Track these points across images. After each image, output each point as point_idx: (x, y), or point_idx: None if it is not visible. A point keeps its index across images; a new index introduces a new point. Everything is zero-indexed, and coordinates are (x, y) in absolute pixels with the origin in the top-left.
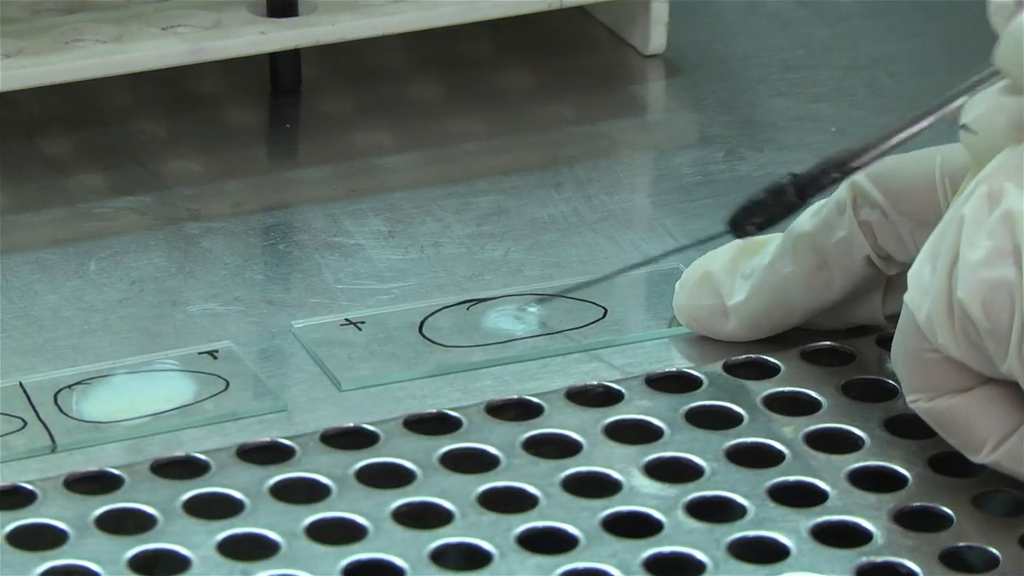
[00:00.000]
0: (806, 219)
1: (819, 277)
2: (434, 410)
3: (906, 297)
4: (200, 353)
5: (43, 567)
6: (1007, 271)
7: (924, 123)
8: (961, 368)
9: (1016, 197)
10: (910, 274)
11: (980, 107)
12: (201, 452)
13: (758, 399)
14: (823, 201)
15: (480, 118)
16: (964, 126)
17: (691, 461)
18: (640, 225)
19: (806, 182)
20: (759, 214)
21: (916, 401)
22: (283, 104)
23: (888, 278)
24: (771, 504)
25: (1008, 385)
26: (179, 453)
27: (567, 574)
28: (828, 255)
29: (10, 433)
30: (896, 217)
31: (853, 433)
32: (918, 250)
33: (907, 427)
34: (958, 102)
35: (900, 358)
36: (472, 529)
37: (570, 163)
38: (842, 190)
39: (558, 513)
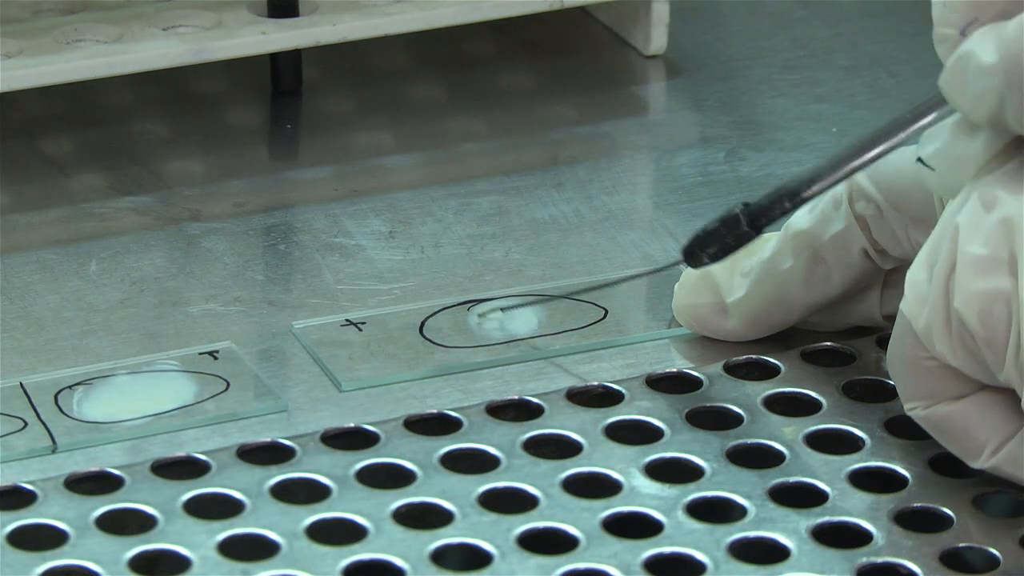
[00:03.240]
0: (802, 216)
1: (817, 272)
2: (434, 411)
3: (902, 305)
4: (201, 354)
5: (43, 567)
6: (1003, 281)
7: (877, 150)
8: (958, 375)
9: (1011, 205)
10: (907, 281)
11: (936, 142)
12: (202, 452)
13: (758, 400)
14: (819, 197)
15: (481, 118)
16: (920, 160)
17: (691, 461)
18: (641, 226)
19: (758, 212)
20: (712, 244)
21: (914, 409)
22: (284, 104)
23: (885, 277)
24: (771, 505)
25: (1005, 391)
26: (180, 453)
27: (567, 574)
28: (825, 249)
29: (10, 433)
30: (891, 213)
31: (853, 433)
32: (912, 246)
33: (907, 427)
34: (916, 125)
35: (897, 366)
36: (472, 529)
37: (571, 163)
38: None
39: (558, 513)
